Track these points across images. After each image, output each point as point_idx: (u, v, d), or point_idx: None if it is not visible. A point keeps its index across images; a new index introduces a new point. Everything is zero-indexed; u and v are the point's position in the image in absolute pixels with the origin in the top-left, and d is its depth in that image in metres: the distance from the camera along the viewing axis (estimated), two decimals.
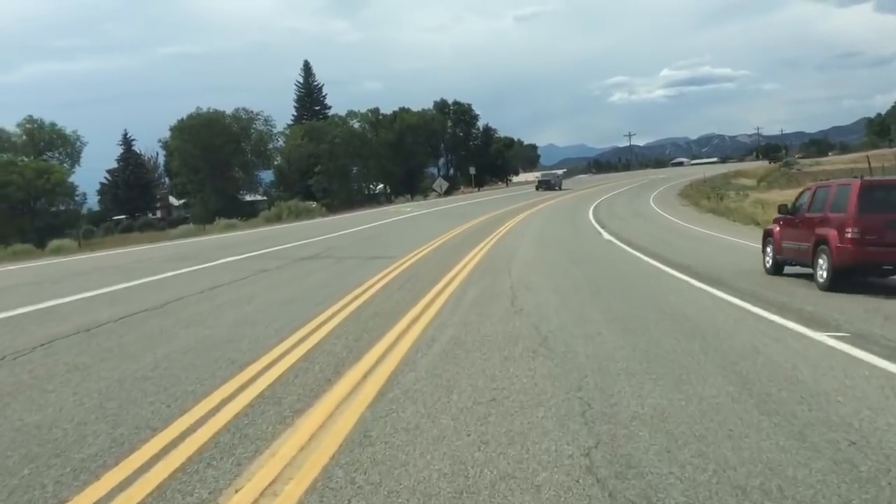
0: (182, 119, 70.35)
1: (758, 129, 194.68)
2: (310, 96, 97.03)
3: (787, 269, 12.83)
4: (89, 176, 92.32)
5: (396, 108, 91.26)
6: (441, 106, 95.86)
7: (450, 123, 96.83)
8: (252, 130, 72.12)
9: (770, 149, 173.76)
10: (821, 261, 11.11)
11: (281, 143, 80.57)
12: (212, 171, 69.02)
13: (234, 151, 71.20)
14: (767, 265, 13.28)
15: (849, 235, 10.47)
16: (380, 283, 11.99)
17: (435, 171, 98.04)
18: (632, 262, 15.47)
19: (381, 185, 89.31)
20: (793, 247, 12.29)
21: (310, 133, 78.93)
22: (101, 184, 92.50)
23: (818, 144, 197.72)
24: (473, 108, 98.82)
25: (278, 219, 48.07)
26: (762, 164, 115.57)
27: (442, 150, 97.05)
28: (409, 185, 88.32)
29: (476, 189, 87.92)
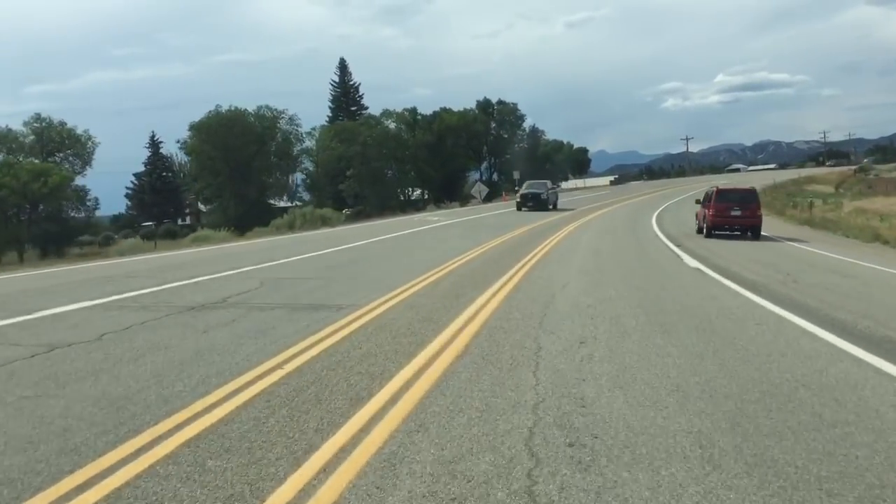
0: (202, 118, 65.16)
1: (824, 133, 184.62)
2: (346, 96, 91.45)
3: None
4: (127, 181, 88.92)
5: (437, 109, 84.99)
6: (484, 105, 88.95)
7: (493, 124, 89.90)
8: (277, 130, 66.42)
9: (833, 154, 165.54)
10: (703, 225, 24.68)
11: (309, 144, 74.97)
12: (231, 174, 63.56)
13: (257, 153, 65.61)
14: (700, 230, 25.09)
15: (711, 213, 23.73)
16: (247, 391, 5.40)
17: (478, 175, 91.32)
18: (765, 323, 8.38)
19: (418, 191, 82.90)
20: (700, 219, 25.81)
21: (340, 134, 73.06)
22: (128, 188, 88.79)
23: (883, 150, 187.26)
24: (519, 107, 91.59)
25: (290, 228, 42.13)
26: (831, 170, 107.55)
27: (485, 153, 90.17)
28: (449, 190, 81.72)
29: None
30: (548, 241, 21.71)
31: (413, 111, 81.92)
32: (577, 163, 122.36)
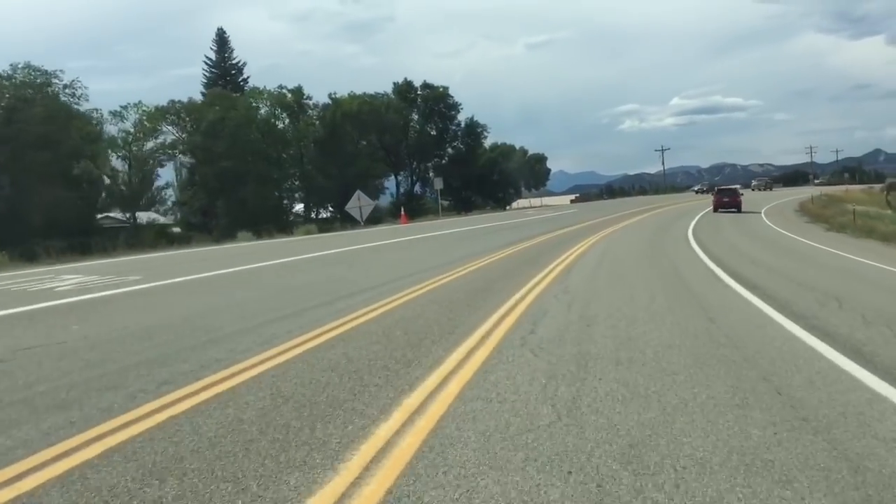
0: None
1: (811, 148, 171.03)
2: (224, 77, 65.86)
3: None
4: None
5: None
6: (403, 90, 64.71)
7: (415, 116, 65.80)
8: (39, 99, 40.02)
9: (799, 175, 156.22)
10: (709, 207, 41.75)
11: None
12: None
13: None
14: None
15: (714, 200, 41.12)
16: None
17: (393, 184, 66.74)
18: None
19: (300, 205, 58.05)
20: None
21: (169, 117, 47.81)
22: None
23: (851, 171, 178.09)
24: (452, 94, 67.32)
25: None
26: (846, 188, 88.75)
27: (404, 156, 65.77)
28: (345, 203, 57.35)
29: (463, 214, 56.15)
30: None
31: (298, 91, 56.97)
32: (535, 174, 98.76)
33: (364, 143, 58.96)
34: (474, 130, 68.79)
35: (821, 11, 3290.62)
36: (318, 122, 57.19)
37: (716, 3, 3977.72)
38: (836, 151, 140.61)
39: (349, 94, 59.94)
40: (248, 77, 65.18)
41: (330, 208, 58.10)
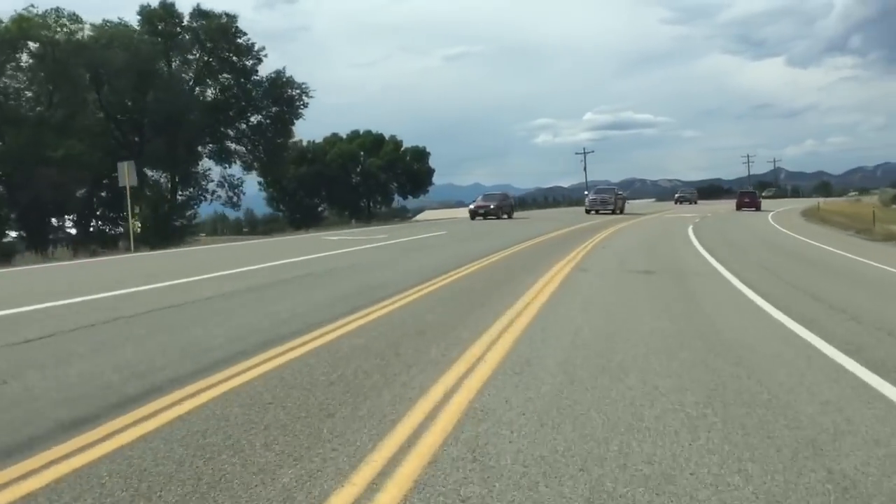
0: None
1: (774, 159, 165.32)
2: None
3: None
4: None
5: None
6: (148, 14, 39.55)
7: (174, 61, 40.96)
8: None
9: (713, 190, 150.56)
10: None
11: None
12: None
13: None
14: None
15: (737, 201, 51.65)
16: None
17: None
18: None
19: None
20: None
21: None
22: None
23: (764, 186, 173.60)
24: (246, 32, 42.64)
25: None
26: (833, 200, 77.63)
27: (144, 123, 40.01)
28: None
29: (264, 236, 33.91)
30: None
31: None
32: (413, 177, 73.06)
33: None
34: (278, 83, 43.90)
35: (724, 34, 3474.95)
36: None
37: (625, 23, 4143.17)
38: (748, 163, 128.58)
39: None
40: None
41: None
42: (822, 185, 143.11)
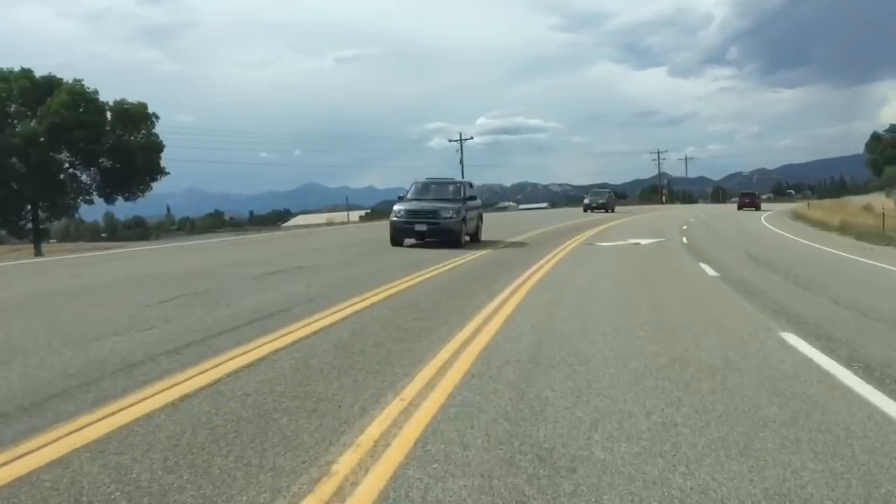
0: None
1: (754, 172, 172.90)
2: None
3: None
4: None
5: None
6: None
7: None
8: None
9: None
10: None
11: None
12: None
13: None
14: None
15: (738, 202, 59.51)
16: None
17: None
18: None
19: None
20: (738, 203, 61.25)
21: None
22: None
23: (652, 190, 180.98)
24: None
25: None
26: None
27: None
28: None
29: None
30: None
31: None
32: (122, 160, 41.40)
33: None
34: None
35: (611, 42, 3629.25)
36: None
37: (516, 29, 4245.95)
38: (658, 164, 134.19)
39: None
40: None
41: None
42: (718, 191, 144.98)
